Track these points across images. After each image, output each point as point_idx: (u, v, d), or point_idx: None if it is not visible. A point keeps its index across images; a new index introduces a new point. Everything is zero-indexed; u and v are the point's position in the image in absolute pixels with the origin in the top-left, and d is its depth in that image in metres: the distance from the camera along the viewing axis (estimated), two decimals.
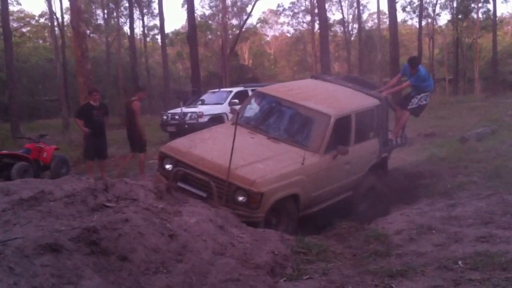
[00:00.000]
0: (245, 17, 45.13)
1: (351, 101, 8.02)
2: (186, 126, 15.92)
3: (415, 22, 47.96)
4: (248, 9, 46.50)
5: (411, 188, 8.58)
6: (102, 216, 4.58)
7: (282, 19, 56.24)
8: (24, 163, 10.72)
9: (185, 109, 17.07)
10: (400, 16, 47.23)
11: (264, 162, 6.58)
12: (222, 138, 6.15)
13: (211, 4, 47.66)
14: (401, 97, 10.16)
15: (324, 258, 5.17)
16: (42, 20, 46.76)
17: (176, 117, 16.83)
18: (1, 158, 10.72)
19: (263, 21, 58.93)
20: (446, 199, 7.42)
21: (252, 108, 8.33)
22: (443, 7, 45.89)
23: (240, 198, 6.15)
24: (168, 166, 7.01)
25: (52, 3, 29.85)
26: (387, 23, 30.69)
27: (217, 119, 16.38)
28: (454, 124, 17.40)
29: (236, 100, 16.36)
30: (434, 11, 45.73)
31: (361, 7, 44.49)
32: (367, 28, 50.96)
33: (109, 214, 4.65)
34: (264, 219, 6.27)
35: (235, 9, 47.36)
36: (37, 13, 57.12)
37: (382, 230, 5.98)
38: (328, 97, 8.05)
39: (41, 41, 48.09)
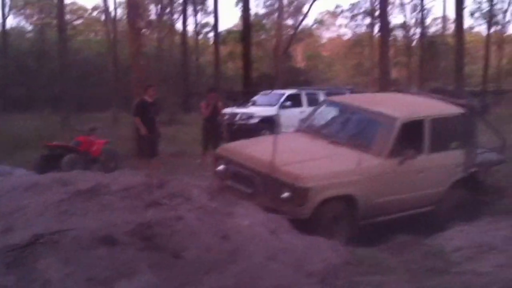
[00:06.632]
0: (301, 18, 44.61)
1: (427, 107, 7.64)
2: (235, 126, 15.83)
3: (482, 28, 45.97)
4: (305, 9, 45.99)
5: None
6: (156, 212, 4.60)
7: (339, 21, 55.07)
8: (74, 155, 10.84)
9: (235, 110, 17.02)
10: (467, 22, 45.56)
11: (317, 161, 6.46)
12: (280, 141, 6.10)
13: (267, 3, 47.37)
14: None
15: (377, 271, 4.99)
16: (94, 13, 47.67)
17: (226, 117, 16.82)
18: (52, 149, 10.92)
19: (319, 22, 57.79)
20: (509, 219, 7.03)
21: (321, 116, 8.18)
22: None
23: (285, 194, 6.01)
24: (222, 167, 7.06)
25: None
26: (452, 28, 29.41)
27: (268, 121, 16.28)
28: None
29: (289, 103, 16.21)
30: (504, 17, 43.91)
31: (425, 11, 43.12)
32: (429, 33, 49.24)
33: (163, 210, 4.66)
34: (322, 226, 6.05)
35: (291, 8, 46.86)
36: (89, 6, 58.43)
37: (439, 246, 5.74)
38: (401, 104, 7.80)
39: (92, 35, 48.89)
